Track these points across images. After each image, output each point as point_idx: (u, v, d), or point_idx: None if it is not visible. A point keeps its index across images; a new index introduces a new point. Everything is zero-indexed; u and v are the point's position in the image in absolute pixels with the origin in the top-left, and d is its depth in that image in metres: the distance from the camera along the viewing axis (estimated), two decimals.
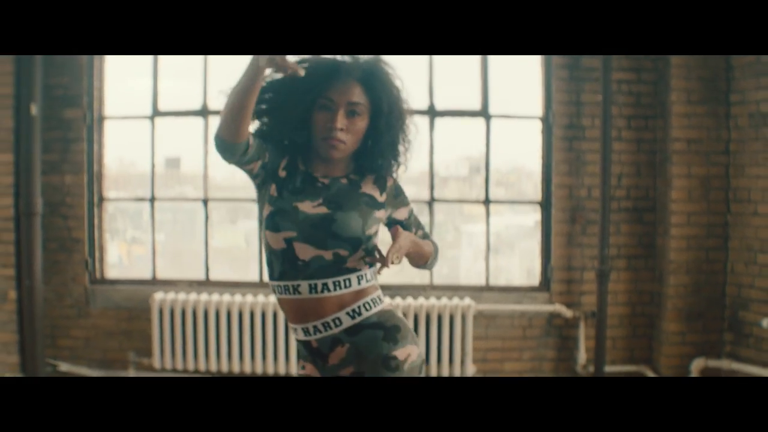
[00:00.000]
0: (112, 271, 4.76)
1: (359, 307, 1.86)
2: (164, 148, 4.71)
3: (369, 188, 1.93)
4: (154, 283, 4.55)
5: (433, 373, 4.28)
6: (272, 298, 4.32)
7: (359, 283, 1.87)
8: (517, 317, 4.47)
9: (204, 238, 4.58)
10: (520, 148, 4.94)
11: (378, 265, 1.81)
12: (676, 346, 4.31)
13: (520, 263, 7.93)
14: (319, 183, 1.90)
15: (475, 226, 6.95)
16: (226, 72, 4.93)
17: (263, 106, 1.91)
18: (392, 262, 1.76)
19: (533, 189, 4.62)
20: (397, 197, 1.98)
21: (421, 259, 1.95)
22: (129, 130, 4.84)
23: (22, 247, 4.31)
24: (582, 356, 4.42)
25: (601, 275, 4.34)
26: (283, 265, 1.85)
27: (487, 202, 4.54)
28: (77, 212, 4.46)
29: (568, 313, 4.42)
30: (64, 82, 4.42)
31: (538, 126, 4.51)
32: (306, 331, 1.87)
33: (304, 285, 1.84)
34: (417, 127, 1.99)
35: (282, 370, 4.29)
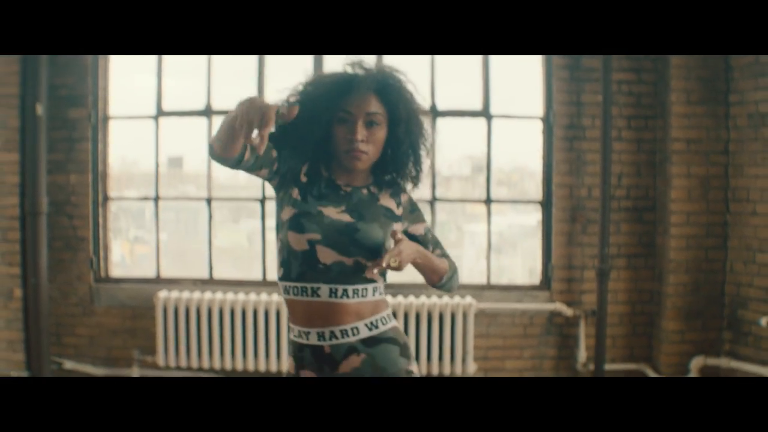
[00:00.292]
0: (116, 270, 4.80)
1: (377, 321, 1.89)
2: (167, 148, 4.73)
3: (386, 201, 1.95)
4: (158, 281, 4.59)
5: (435, 370, 4.31)
6: (275, 297, 4.35)
7: (374, 295, 1.89)
8: (518, 316, 4.50)
9: (207, 237, 4.62)
10: (523, 148, 4.96)
11: (376, 263, 1.79)
12: (675, 344, 4.33)
13: (523, 262, 7.94)
14: (342, 191, 1.92)
15: (478, 226, 6.97)
16: (229, 71, 4.97)
17: (281, 131, 1.90)
18: (388, 265, 1.76)
19: (535, 188, 4.65)
20: (413, 212, 1.99)
21: (434, 275, 1.93)
22: (133, 129, 4.88)
23: (27, 245, 4.35)
24: (582, 354, 4.45)
25: (601, 274, 4.37)
26: (302, 266, 1.85)
27: (488, 201, 4.57)
28: (82, 211, 4.50)
29: (568, 311, 4.45)
30: (69, 82, 4.46)
31: (538, 126, 4.54)
32: (320, 336, 1.86)
33: (324, 288, 1.85)
34: (435, 131, 2.01)
35: (285, 368, 4.33)
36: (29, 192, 4.33)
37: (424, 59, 4.47)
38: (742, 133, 4.20)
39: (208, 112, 4.54)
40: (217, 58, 4.54)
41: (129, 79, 5.39)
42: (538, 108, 4.54)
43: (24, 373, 4.39)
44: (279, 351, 4.34)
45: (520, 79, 5.16)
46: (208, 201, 4.60)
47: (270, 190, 4.56)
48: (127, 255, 8.28)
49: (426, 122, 1.97)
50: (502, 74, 4.55)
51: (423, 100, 1.98)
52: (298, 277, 1.86)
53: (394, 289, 4.44)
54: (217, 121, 4.53)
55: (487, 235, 4.62)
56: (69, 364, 4.48)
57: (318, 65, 4.50)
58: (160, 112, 4.58)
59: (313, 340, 1.87)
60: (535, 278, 4.65)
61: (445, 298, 4.36)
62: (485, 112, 4.50)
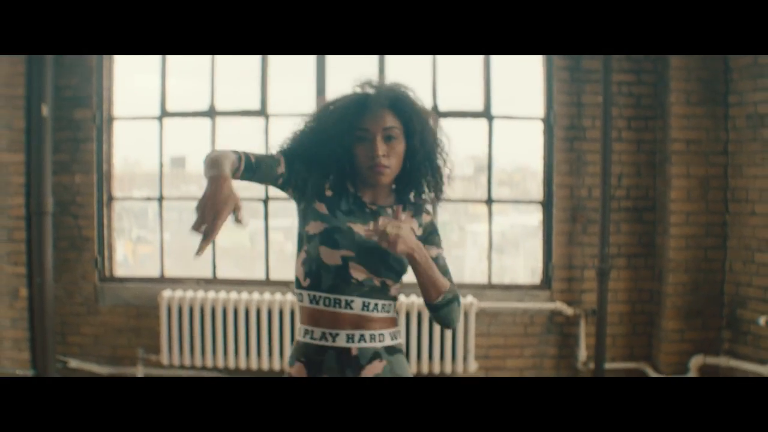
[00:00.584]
0: (119, 270, 4.83)
1: (395, 333, 1.94)
2: (170, 148, 4.76)
3: (408, 221, 1.97)
4: (162, 281, 4.63)
5: (436, 369, 4.35)
6: (278, 296, 4.39)
7: (394, 311, 1.96)
8: (519, 315, 4.53)
9: None
10: (524, 148, 4.99)
11: (372, 224, 1.81)
12: (675, 343, 4.36)
13: (525, 262, 7.96)
14: (368, 209, 1.96)
15: (480, 226, 6.99)
16: (233, 72, 5.00)
17: (301, 152, 1.95)
18: (384, 230, 1.75)
19: (537, 188, 4.68)
20: (431, 235, 2.00)
21: (432, 288, 1.88)
22: (136, 130, 4.91)
23: (33, 245, 4.39)
24: (582, 353, 4.48)
25: (601, 274, 4.40)
26: (335, 279, 1.87)
27: (489, 201, 4.61)
28: (87, 211, 4.54)
29: (569, 310, 4.49)
30: (73, 83, 4.50)
31: (539, 126, 4.58)
32: (350, 338, 1.88)
33: (358, 302, 1.88)
34: (449, 140, 2.03)
35: (288, 367, 4.36)
36: (35, 192, 4.36)
37: (426, 60, 4.50)
38: (741, 133, 4.23)
39: (211, 113, 4.57)
40: (220, 59, 4.57)
41: (133, 79, 5.42)
42: (538, 109, 4.58)
43: (29, 372, 4.43)
44: (282, 349, 4.38)
45: (521, 80, 5.19)
46: None
47: (272, 191, 4.61)
48: (129, 255, 8.30)
49: (440, 133, 2.01)
50: (503, 75, 4.59)
51: (434, 115, 2.02)
52: (331, 290, 1.87)
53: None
54: (221, 122, 4.59)
55: (488, 235, 4.66)
56: (74, 363, 4.52)
57: (320, 65, 4.54)
58: (164, 113, 4.62)
59: (341, 341, 1.88)
60: (537, 278, 4.68)
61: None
62: (486, 113, 4.53)
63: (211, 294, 4.41)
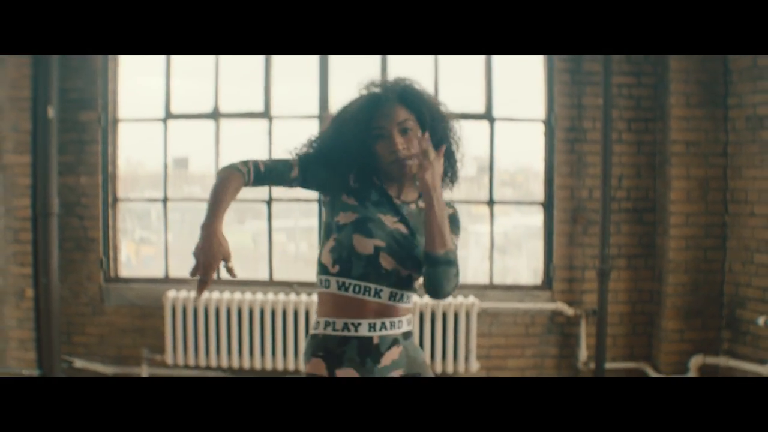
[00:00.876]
0: (122, 271, 4.87)
1: (409, 319, 2.01)
2: (172, 148, 4.79)
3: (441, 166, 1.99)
4: (167, 281, 4.67)
5: (438, 368, 4.38)
6: (281, 297, 4.43)
7: (412, 301, 2.03)
8: (520, 315, 4.57)
9: None
10: (527, 149, 5.02)
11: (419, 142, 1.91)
12: (675, 343, 4.39)
13: (528, 263, 7.97)
14: (394, 202, 2.01)
15: (483, 227, 7.02)
16: (236, 73, 5.04)
17: (322, 160, 2.00)
18: (428, 152, 1.88)
19: (540, 189, 4.71)
20: (451, 225, 2.01)
21: (439, 236, 1.89)
22: (139, 131, 4.94)
23: (39, 246, 4.43)
24: (583, 353, 4.51)
25: (601, 274, 4.43)
26: (366, 268, 1.92)
27: (491, 202, 4.64)
28: (92, 212, 4.58)
29: (569, 311, 4.52)
30: (79, 85, 4.54)
31: (540, 128, 4.61)
32: (372, 327, 1.93)
33: (386, 291, 1.93)
34: (461, 125, 2.07)
35: (291, 366, 4.41)
36: (41, 193, 4.40)
37: (428, 63, 4.53)
38: (741, 135, 4.26)
39: (215, 114, 4.61)
40: (223, 61, 4.60)
41: (137, 81, 5.46)
42: (539, 111, 4.61)
43: (35, 372, 4.47)
44: (285, 349, 4.42)
45: (522, 82, 5.22)
46: None
47: (276, 192, 4.65)
48: (132, 256, 8.33)
49: (449, 118, 2.05)
50: (504, 77, 4.62)
51: (441, 102, 2.06)
52: (361, 277, 1.92)
53: None
54: (224, 124, 4.63)
55: (490, 236, 4.69)
56: (79, 363, 4.56)
57: (323, 67, 4.57)
58: (168, 115, 4.66)
59: (363, 331, 1.92)
60: (539, 279, 4.72)
61: (449, 298, 4.42)
62: (488, 115, 4.57)
63: (215, 294, 4.45)
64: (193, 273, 1.81)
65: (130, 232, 8.25)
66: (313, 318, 4.30)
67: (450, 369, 4.38)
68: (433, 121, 1.99)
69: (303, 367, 2.01)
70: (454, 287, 1.96)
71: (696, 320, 4.39)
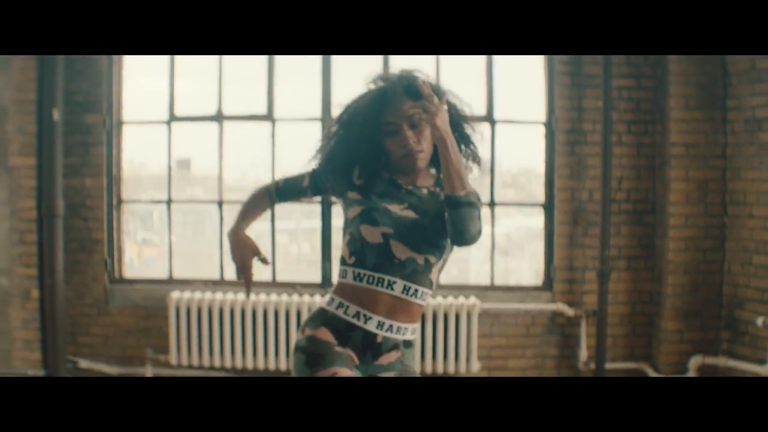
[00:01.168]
0: (126, 272, 4.90)
1: (416, 328, 2.04)
2: (175, 150, 4.82)
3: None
4: (171, 282, 4.70)
5: (440, 369, 4.41)
6: (284, 297, 4.46)
7: (426, 298, 2.02)
8: (521, 316, 4.60)
9: (219, 239, 4.73)
10: (529, 150, 5.06)
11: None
12: (674, 344, 4.42)
13: (530, 264, 8.00)
14: (403, 189, 2.03)
15: (485, 228, 7.03)
16: (239, 74, 5.06)
17: (333, 161, 2.06)
18: (430, 94, 1.86)
19: (542, 191, 4.74)
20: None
21: (458, 177, 1.88)
22: (143, 133, 4.97)
23: (44, 247, 4.45)
24: (583, 354, 4.54)
25: (602, 275, 4.46)
26: (379, 258, 1.94)
27: (492, 204, 4.68)
28: (97, 214, 4.61)
29: (570, 311, 4.55)
30: (84, 88, 4.57)
31: (541, 130, 4.64)
32: (380, 325, 1.96)
33: (399, 284, 1.95)
34: (471, 108, 2.11)
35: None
36: (46, 195, 4.43)
37: (429, 65, 4.56)
38: (739, 137, 4.28)
39: (219, 117, 4.64)
40: (227, 63, 4.63)
41: (141, 83, 5.49)
42: (540, 113, 4.64)
43: (40, 372, 4.50)
44: (288, 350, 4.45)
45: (523, 84, 5.25)
46: (219, 204, 4.71)
47: None
48: (135, 257, 8.37)
49: (458, 101, 2.08)
50: (505, 80, 4.64)
51: (447, 89, 2.07)
52: (375, 268, 1.95)
53: None
54: (228, 126, 4.66)
55: (491, 237, 4.72)
56: (84, 363, 4.59)
57: (326, 67, 4.60)
58: (173, 117, 4.69)
59: (371, 326, 1.96)
60: (540, 280, 4.74)
61: (450, 299, 4.46)
62: (489, 118, 4.60)
63: (219, 295, 4.48)
64: (238, 276, 2.05)
65: (132, 234, 8.29)
66: None
67: (451, 369, 4.41)
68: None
69: (301, 333, 2.04)
70: (479, 232, 1.94)
71: (695, 321, 4.41)
